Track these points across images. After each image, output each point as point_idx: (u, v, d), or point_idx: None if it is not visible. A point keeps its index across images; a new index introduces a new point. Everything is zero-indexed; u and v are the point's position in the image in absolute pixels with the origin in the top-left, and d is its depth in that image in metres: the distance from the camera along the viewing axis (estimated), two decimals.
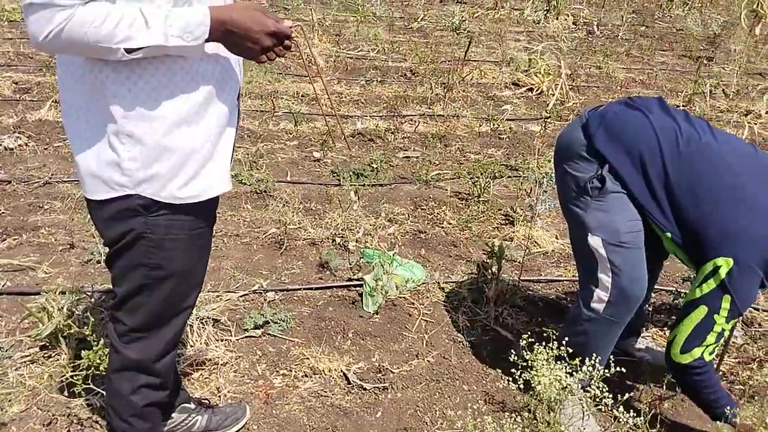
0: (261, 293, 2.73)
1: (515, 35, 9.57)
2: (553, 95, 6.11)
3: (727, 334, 1.96)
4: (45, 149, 4.00)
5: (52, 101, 4.65)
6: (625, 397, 1.86)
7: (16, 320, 2.40)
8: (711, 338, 1.88)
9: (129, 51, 1.18)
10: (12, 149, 3.91)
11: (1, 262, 2.75)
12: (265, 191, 3.63)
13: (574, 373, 1.87)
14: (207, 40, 1.25)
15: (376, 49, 7.43)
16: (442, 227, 3.45)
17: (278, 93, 5.49)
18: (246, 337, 2.44)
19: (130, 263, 1.42)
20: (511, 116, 5.44)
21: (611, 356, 2.01)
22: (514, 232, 3.39)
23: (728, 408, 1.92)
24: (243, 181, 3.71)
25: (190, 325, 2.33)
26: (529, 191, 3.70)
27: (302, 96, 5.55)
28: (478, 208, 3.61)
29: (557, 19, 11.21)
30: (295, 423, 2.06)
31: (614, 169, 1.95)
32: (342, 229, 3.26)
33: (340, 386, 2.24)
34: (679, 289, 2.86)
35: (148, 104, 1.28)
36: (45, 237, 3.02)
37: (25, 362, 2.19)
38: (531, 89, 6.50)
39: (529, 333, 1.96)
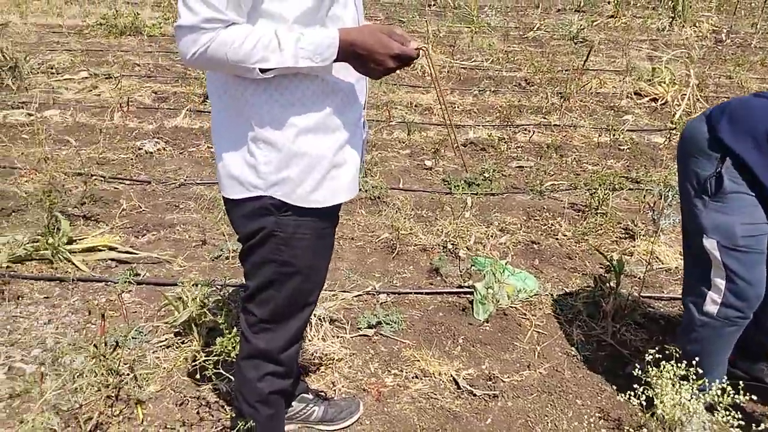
0: (374, 295, 2.81)
1: (638, 44, 9.16)
2: (680, 105, 5.79)
3: None
4: (180, 153, 4.36)
5: (187, 109, 5.05)
6: (755, 428, 1.73)
7: (154, 308, 2.63)
8: None
9: (263, 71, 1.29)
10: (152, 153, 4.29)
11: (142, 254, 3.03)
12: (378, 197, 3.73)
13: (699, 393, 1.77)
14: (335, 61, 1.33)
15: (491, 59, 7.39)
16: (557, 239, 3.37)
17: (393, 103, 5.62)
18: (360, 335, 2.52)
19: (261, 259, 1.52)
20: (633, 127, 5.22)
21: (740, 382, 1.87)
22: (634, 247, 3.25)
23: None
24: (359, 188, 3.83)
25: (310, 322, 2.44)
26: (652, 204, 3.53)
27: (416, 106, 5.64)
28: (596, 220, 3.50)
29: (684, 26, 10.60)
30: (406, 422, 2.10)
31: (739, 158, 1.84)
32: (453, 237, 3.28)
33: (450, 390, 2.26)
34: None
35: (282, 114, 1.37)
36: (180, 234, 3.29)
37: (161, 346, 2.40)
38: (655, 99, 6.19)
39: (651, 350, 1.88)
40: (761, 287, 1.92)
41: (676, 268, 3.08)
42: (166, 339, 2.43)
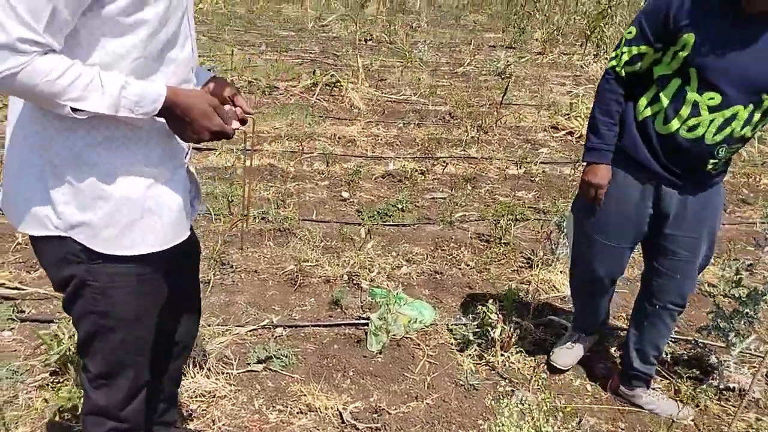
0: (270, 328, 2.77)
1: (561, 80, 9.55)
2: None
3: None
4: None
5: None
6: None
7: (33, 346, 2.52)
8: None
9: (74, 110, 1.18)
10: None
11: (29, 290, 2.91)
12: (288, 229, 3.72)
13: None
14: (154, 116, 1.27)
15: (418, 93, 7.56)
16: (460, 268, 3.43)
17: (316, 134, 5.65)
18: (247, 371, 2.48)
19: (80, 309, 1.41)
20: (546, 159, 5.40)
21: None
22: (532, 275, 3.34)
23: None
24: (268, 219, 3.82)
25: (193, 358, 2.39)
26: (549, 234, 3.65)
27: (339, 138, 5.69)
28: (499, 250, 3.58)
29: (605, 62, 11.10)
30: None
31: None
32: (358, 268, 3.29)
33: (334, 425, 2.24)
34: (696, 339, 2.73)
35: (88, 153, 1.27)
36: None
37: (35, 387, 2.30)
38: (571, 133, 6.44)
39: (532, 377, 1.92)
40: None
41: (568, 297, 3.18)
42: (41, 379, 2.33)
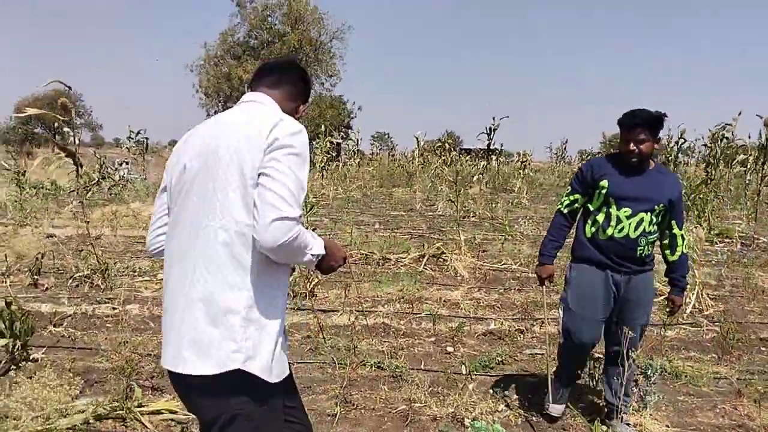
0: None
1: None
2: (689, 303, 6.28)
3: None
4: None
5: None
6: None
7: None
8: None
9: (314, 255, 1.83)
10: None
11: None
12: (400, 376, 4.28)
13: None
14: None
15: (518, 263, 8.18)
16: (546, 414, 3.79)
17: (423, 298, 6.35)
18: None
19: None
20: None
21: None
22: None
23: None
24: (383, 367, 4.41)
25: None
26: (636, 381, 3.94)
27: (444, 301, 6.34)
28: (589, 400, 3.90)
29: (711, 233, 11.31)
30: None
31: None
32: (462, 409, 3.74)
33: None
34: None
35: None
36: None
37: None
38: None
39: None
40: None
41: None
42: None
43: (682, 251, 3.42)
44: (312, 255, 1.83)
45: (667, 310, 3.56)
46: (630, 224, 3.24)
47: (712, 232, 11.19)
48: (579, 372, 3.77)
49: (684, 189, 16.53)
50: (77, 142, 7.22)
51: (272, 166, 1.73)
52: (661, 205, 3.26)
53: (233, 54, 38.12)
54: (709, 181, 14.14)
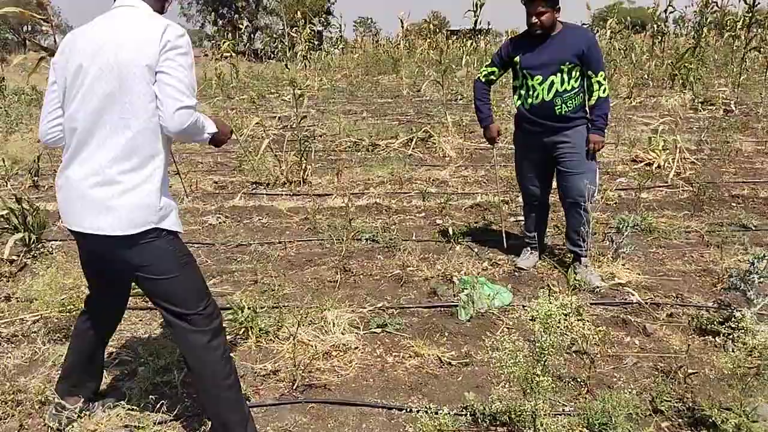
0: (384, 309, 3.62)
1: (646, 119, 10.02)
2: (671, 167, 6.57)
3: None
4: (237, 224, 5.39)
5: (242, 193, 6.15)
6: None
7: None
8: None
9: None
10: (214, 225, 5.34)
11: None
12: (393, 246, 4.61)
13: None
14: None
15: (505, 141, 8.37)
16: (537, 269, 4.15)
17: (413, 179, 6.61)
18: (370, 332, 3.33)
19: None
20: (623, 186, 6.02)
21: None
22: (599, 268, 3.99)
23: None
24: (377, 240, 4.73)
25: (333, 321, 3.29)
26: (612, 238, 4.29)
27: (433, 180, 6.61)
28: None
29: (695, 101, 11.44)
30: (399, 380, 2.87)
31: None
32: (450, 270, 4.10)
33: (435, 364, 3.02)
34: (720, 300, 3.27)
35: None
36: (237, 278, 4.22)
37: None
38: (649, 164, 7.00)
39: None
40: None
41: (628, 282, 3.80)
42: None
43: (599, 95, 3.76)
44: (208, 133, 2.16)
45: (586, 149, 3.82)
46: (543, 89, 3.73)
47: (696, 100, 11.32)
48: (537, 225, 4.25)
49: (669, 59, 16.36)
50: (55, 41, 7.12)
51: (168, 65, 2.02)
52: (567, 63, 3.68)
53: None
54: (695, 50, 14.08)
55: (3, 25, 32.64)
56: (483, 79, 4.04)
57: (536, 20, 3.65)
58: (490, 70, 4.01)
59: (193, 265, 2.28)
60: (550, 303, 2.27)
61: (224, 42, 17.10)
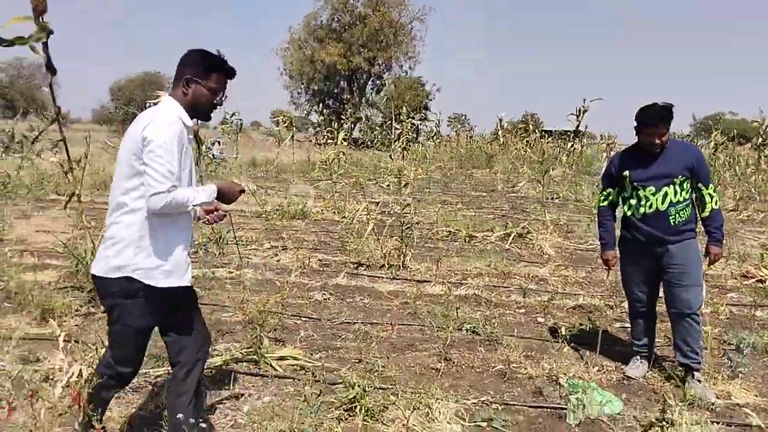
0: (488, 403, 3.62)
1: (756, 234, 9.64)
2: None
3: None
4: (341, 302, 5.58)
5: (345, 272, 6.40)
6: None
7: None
8: None
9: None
10: (320, 301, 5.56)
11: (317, 364, 4.10)
12: (495, 340, 4.62)
13: None
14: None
15: None
16: (646, 379, 4.02)
17: (512, 273, 6.64)
18: (476, 425, 3.32)
19: None
20: (735, 302, 5.78)
21: None
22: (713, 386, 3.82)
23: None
24: (478, 332, 4.76)
25: (439, 410, 3.31)
26: (729, 357, 4.11)
27: (533, 277, 6.60)
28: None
29: None
30: None
31: None
32: (556, 371, 4.05)
33: None
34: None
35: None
36: (342, 354, 4.35)
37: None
38: (761, 281, 6.69)
39: None
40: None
41: (746, 404, 3.61)
42: None
43: (712, 207, 3.85)
44: (194, 205, 2.59)
45: (707, 260, 3.91)
46: (656, 199, 3.82)
47: None
48: (646, 333, 4.17)
49: None
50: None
51: (147, 155, 2.48)
52: (680, 176, 3.79)
53: (316, 37, 38.88)
54: None
55: (132, 102, 36.66)
56: (605, 204, 4.16)
57: (658, 141, 3.77)
58: (606, 193, 4.15)
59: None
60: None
61: (339, 131, 17.95)
